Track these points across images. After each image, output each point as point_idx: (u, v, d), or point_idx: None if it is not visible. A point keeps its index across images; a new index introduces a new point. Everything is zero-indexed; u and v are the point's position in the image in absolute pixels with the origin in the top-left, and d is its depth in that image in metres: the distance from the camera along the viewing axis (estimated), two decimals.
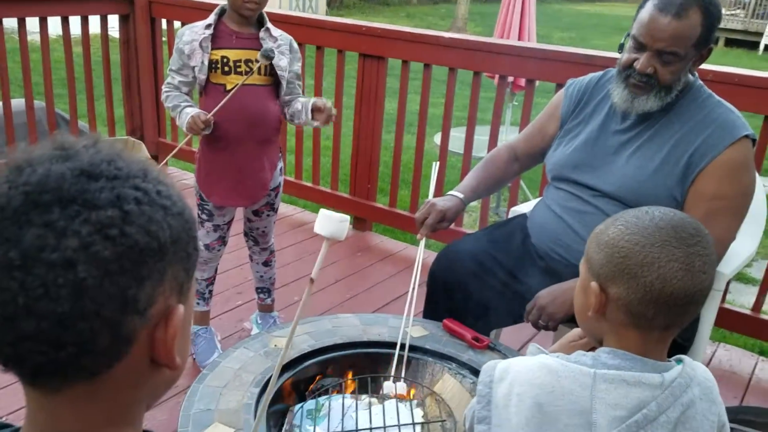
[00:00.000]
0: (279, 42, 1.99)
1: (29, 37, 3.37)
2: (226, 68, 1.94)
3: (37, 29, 3.36)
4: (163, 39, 3.77)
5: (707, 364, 2.44)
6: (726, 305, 2.58)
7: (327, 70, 3.36)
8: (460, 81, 3.03)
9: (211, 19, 1.95)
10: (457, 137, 3.36)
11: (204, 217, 2.12)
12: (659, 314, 0.93)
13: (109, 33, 3.69)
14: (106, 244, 0.50)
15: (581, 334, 1.20)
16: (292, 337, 1.16)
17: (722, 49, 15.60)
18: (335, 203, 3.49)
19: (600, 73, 1.83)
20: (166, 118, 3.95)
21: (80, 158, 0.53)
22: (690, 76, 1.67)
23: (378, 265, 3.07)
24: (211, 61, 1.93)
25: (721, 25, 17.37)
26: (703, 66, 2.20)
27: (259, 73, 1.95)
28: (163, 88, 2.03)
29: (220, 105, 1.89)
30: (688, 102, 1.64)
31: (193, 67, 1.94)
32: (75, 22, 3.48)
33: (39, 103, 3.52)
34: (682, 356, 1.01)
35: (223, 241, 2.19)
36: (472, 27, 16.12)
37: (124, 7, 3.65)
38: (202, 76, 1.94)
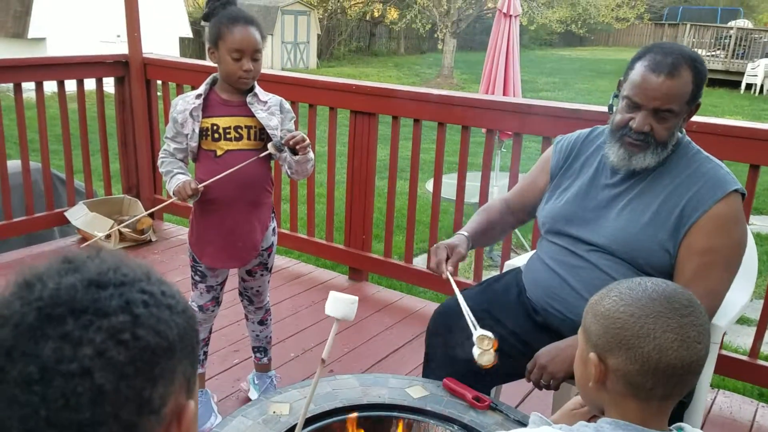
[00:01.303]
0: (269, 104, 2.04)
1: (24, 95, 3.41)
2: (216, 135, 1.98)
3: (33, 86, 3.42)
4: (158, 94, 3.84)
5: (708, 412, 2.43)
6: (723, 351, 2.59)
7: (320, 119, 3.42)
8: (450, 127, 3.08)
9: (202, 89, 2.01)
10: (448, 183, 3.40)
11: (197, 278, 2.14)
12: (658, 385, 0.95)
13: (105, 89, 3.75)
14: (120, 348, 0.52)
15: (582, 402, 1.21)
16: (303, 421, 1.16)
17: (705, 90, 15.91)
18: (331, 254, 3.50)
19: (588, 129, 1.88)
20: (161, 176, 3.98)
21: (87, 269, 0.56)
22: (678, 132, 1.72)
23: (375, 317, 3.07)
24: (201, 129, 1.98)
25: None
26: (693, 118, 2.28)
27: (249, 138, 2.00)
28: (160, 153, 2.08)
29: (215, 178, 1.93)
30: (678, 158, 1.68)
31: (186, 135, 1.99)
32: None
33: (34, 164, 3.55)
34: (683, 424, 1.01)
35: (216, 301, 2.19)
36: (458, 75, 16.46)
37: (119, 69, 3.72)
38: (193, 144, 1.99)
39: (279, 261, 3.63)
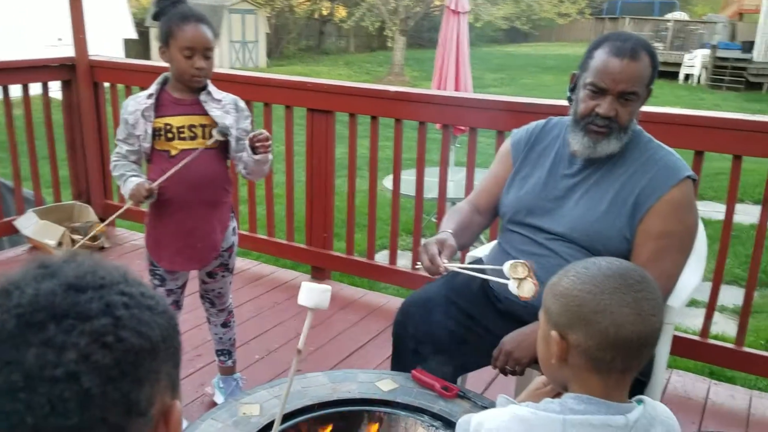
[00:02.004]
0: (223, 102, 2.02)
1: None
2: (170, 135, 1.96)
3: None
4: (106, 96, 3.75)
5: (663, 392, 2.53)
6: (675, 332, 2.69)
7: (276, 118, 3.40)
8: (407, 124, 3.11)
9: (153, 88, 1.97)
10: (406, 180, 3.43)
11: (156, 282, 2.10)
12: (617, 358, 1.00)
13: (51, 93, 3.65)
14: (104, 351, 0.51)
15: (546, 381, 1.25)
16: (281, 416, 1.16)
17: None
18: (292, 254, 3.49)
19: (543, 121, 1.92)
20: (112, 180, 3.89)
21: (64, 273, 0.55)
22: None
23: (339, 314, 3.07)
24: (154, 129, 1.94)
25: None
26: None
27: (204, 137, 1.98)
28: (112, 157, 2.04)
29: (165, 176, 1.91)
30: (632, 146, 1.74)
31: (138, 136, 1.95)
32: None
33: None
34: (643, 396, 1.06)
35: (177, 305, 2.16)
36: (409, 72, 16.55)
37: (65, 73, 3.61)
38: (146, 145, 1.96)
39: (239, 263, 3.59)
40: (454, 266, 1.67)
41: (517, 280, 1.50)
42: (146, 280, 2.17)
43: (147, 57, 16.32)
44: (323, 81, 3.21)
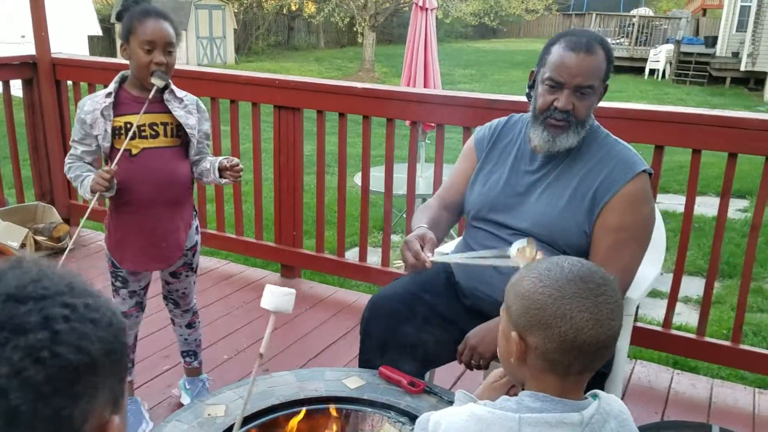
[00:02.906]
0: (185, 102, 2.00)
1: None
2: (132, 135, 1.92)
3: None
4: (69, 95, 3.69)
5: (627, 382, 2.58)
6: (638, 324, 2.75)
7: (242, 115, 3.37)
8: (375, 121, 3.12)
9: (111, 87, 1.95)
10: (375, 177, 3.43)
11: (118, 284, 2.08)
12: (575, 361, 1.01)
13: (12, 92, 3.57)
14: (38, 367, 0.50)
15: (502, 374, 1.28)
16: (241, 420, 1.16)
17: (612, 77, 16.68)
18: (261, 253, 3.47)
19: (505, 118, 1.94)
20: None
21: (6, 282, 0.53)
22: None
23: (309, 313, 3.06)
24: (114, 128, 1.92)
25: None
26: (601, 104, 2.40)
27: (166, 135, 1.96)
28: (66, 159, 2.00)
29: (119, 155, 1.88)
30: (589, 141, 1.77)
31: (96, 136, 1.92)
32: None
33: None
34: (598, 391, 1.08)
35: (140, 307, 2.14)
36: (380, 68, 16.54)
37: (26, 71, 3.54)
38: (106, 144, 1.92)
39: (207, 262, 3.57)
40: (442, 258, 1.69)
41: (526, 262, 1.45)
42: (108, 282, 2.16)
43: (112, 54, 16.03)
44: (290, 78, 3.19)
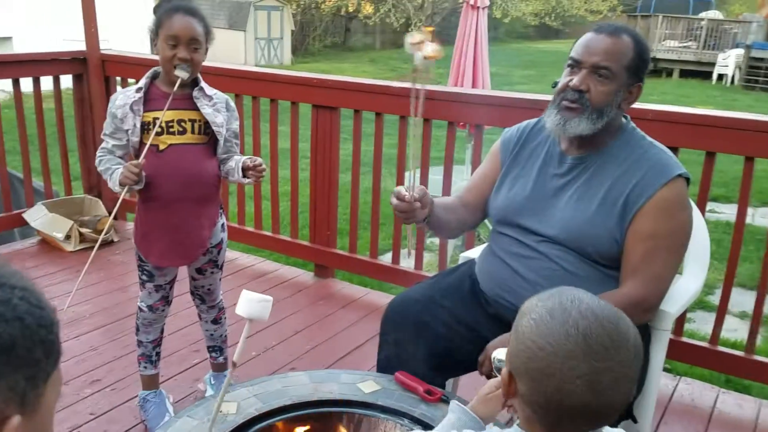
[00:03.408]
0: (214, 100, 2.00)
1: None
2: (159, 129, 1.93)
3: (9, 88, 3.37)
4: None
5: (669, 400, 2.44)
6: (684, 339, 2.60)
7: (282, 115, 3.38)
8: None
9: (142, 82, 1.96)
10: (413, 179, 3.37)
11: (144, 277, 2.10)
12: (563, 421, 0.89)
13: (63, 87, 3.68)
14: None
15: (497, 384, 1.20)
16: (215, 418, 1.13)
17: (677, 81, 16.12)
18: (296, 251, 3.47)
19: (535, 119, 1.86)
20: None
21: None
22: (623, 119, 1.72)
23: (340, 313, 3.04)
24: (143, 123, 1.93)
25: (675, 57, 17.77)
26: (642, 105, 2.28)
27: (193, 132, 1.96)
28: (98, 152, 2.02)
29: (146, 149, 1.89)
30: (622, 144, 1.68)
31: (126, 131, 1.94)
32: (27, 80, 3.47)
33: None
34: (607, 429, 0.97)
35: (166, 301, 2.14)
36: (435, 69, 16.43)
37: (77, 67, 3.64)
38: (135, 139, 1.94)
39: (244, 259, 3.59)
40: (411, 193, 1.64)
41: (417, 47, 1.48)
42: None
43: None
44: (328, 77, 3.18)
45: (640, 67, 1.64)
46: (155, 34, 1.92)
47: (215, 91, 2.03)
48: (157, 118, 1.92)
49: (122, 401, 2.30)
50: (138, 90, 1.94)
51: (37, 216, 3.53)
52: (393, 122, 3.05)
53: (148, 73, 1.99)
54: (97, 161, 2.01)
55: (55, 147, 3.72)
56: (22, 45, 12.22)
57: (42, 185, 3.76)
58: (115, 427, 2.17)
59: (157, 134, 1.93)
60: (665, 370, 2.76)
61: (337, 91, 3.08)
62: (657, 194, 1.59)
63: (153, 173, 1.92)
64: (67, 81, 3.68)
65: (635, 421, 1.63)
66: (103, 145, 2.00)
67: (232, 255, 3.64)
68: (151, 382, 2.21)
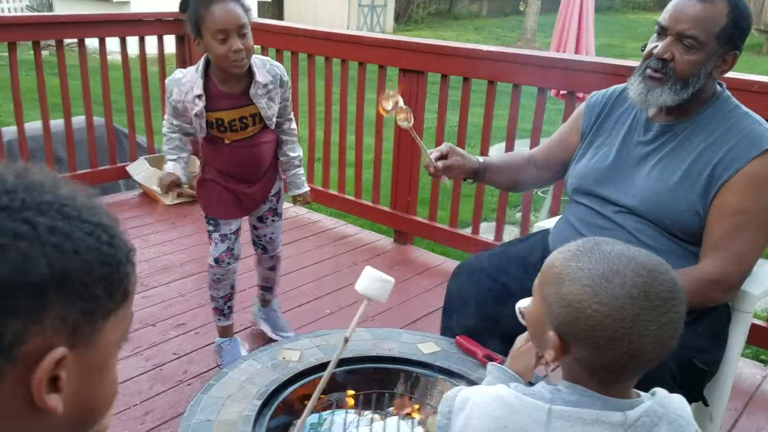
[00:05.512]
0: (269, 87, 1.99)
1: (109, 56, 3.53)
2: (222, 128, 1.98)
3: (118, 49, 3.60)
4: None
5: (755, 390, 2.29)
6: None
7: (369, 79, 3.39)
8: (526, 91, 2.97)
9: (199, 85, 1.91)
10: (502, 150, 3.30)
11: (210, 227, 2.16)
12: (624, 377, 0.90)
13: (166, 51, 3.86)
14: None
15: (526, 338, 1.17)
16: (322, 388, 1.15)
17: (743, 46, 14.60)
18: (376, 217, 3.50)
19: (622, 85, 1.76)
20: None
21: None
22: (717, 86, 1.59)
23: (415, 279, 3.05)
24: (207, 122, 1.97)
25: None
26: (747, 76, 2.10)
27: (254, 124, 2.02)
28: (164, 122, 2.08)
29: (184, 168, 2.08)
30: (713, 113, 1.56)
31: (189, 117, 1.98)
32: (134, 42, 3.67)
33: (99, 120, 3.70)
34: (658, 390, 0.95)
35: (232, 254, 2.17)
36: (542, 39, 15.86)
37: (179, 28, 3.81)
38: (202, 135, 2.01)
39: (326, 221, 3.67)
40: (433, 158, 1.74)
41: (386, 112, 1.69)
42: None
43: (280, 19, 16.86)
44: (415, 39, 3.15)
45: (736, 35, 1.50)
46: (197, 32, 1.84)
47: (269, 69, 2.00)
48: (221, 119, 1.95)
49: (204, 344, 2.43)
50: (198, 97, 1.91)
51: (140, 170, 3.75)
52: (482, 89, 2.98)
53: (201, 66, 1.93)
54: (163, 131, 2.09)
55: (158, 107, 3.92)
56: (141, 8, 12.90)
57: (145, 141, 3.99)
58: (194, 367, 2.30)
59: (221, 132, 1.99)
60: (758, 359, 2.58)
61: (424, 54, 3.04)
62: (747, 167, 1.47)
63: (217, 159, 2.05)
64: (171, 47, 3.85)
65: (706, 404, 1.54)
66: (167, 116, 2.04)
67: (315, 217, 3.73)
68: (225, 332, 2.32)
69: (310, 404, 1.33)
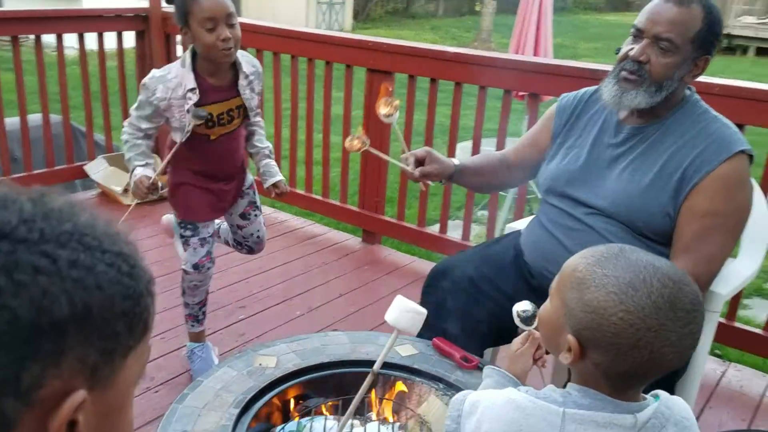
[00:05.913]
0: (250, 78, 1.99)
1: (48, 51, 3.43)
2: (210, 123, 1.94)
3: (75, 44, 3.49)
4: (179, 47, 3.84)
5: (716, 385, 2.37)
6: (738, 324, 2.51)
7: (336, 79, 3.38)
8: (468, 93, 3.00)
9: (191, 80, 1.86)
10: (466, 149, 3.32)
11: (188, 233, 2.08)
12: (639, 381, 0.92)
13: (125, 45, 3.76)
14: None
15: (523, 340, 1.18)
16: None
17: (753, 59, 15.27)
18: (344, 216, 3.49)
19: (594, 87, 1.80)
20: None
21: (2, 215, 0.49)
22: (687, 90, 1.64)
23: (384, 279, 3.05)
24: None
25: (752, 34, 16.77)
26: (708, 79, 2.17)
27: (239, 116, 2.01)
28: (126, 128, 1.95)
29: (163, 164, 1.98)
30: (683, 116, 1.61)
31: (169, 118, 1.92)
32: (91, 37, 3.56)
33: (55, 117, 3.58)
34: (660, 392, 0.97)
35: (211, 258, 2.14)
36: (498, 39, 16.06)
37: (139, 23, 3.71)
38: (187, 134, 1.90)
39: (294, 221, 3.64)
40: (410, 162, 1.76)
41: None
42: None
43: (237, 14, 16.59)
44: (383, 40, 3.14)
45: (709, 40, 1.54)
46: (184, 21, 1.80)
47: (247, 60, 1.99)
48: (210, 113, 1.92)
49: (170, 350, 2.38)
50: (191, 90, 1.85)
51: (98, 169, 3.65)
52: (448, 91, 3.00)
53: (187, 61, 1.87)
54: (123, 137, 1.96)
55: (117, 104, 3.81)
56: (90, 3, 12.56)
57: (102, 138, 3.88)
58: (161, 374, 2.25)
59: (209, 127, 1.95)
60: (715, 355, 2.67)
61: (391, 54, 3.05)
62: (716, 170, 1.51)
63: (201, 156, 1.99)
64: (130, 41, 3.75)
65: None
66: (134, 121, 1.93)
67: (282, 216, 3.69)
68: (198, 337, 2.28)
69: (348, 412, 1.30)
